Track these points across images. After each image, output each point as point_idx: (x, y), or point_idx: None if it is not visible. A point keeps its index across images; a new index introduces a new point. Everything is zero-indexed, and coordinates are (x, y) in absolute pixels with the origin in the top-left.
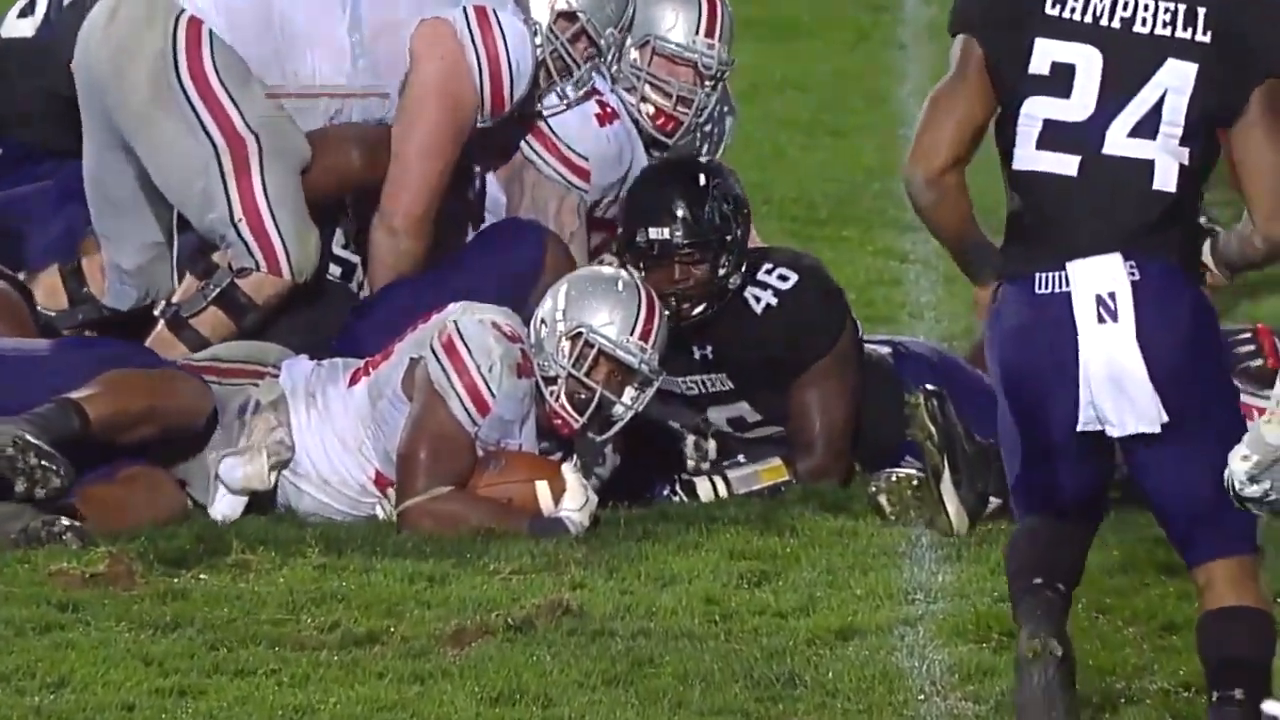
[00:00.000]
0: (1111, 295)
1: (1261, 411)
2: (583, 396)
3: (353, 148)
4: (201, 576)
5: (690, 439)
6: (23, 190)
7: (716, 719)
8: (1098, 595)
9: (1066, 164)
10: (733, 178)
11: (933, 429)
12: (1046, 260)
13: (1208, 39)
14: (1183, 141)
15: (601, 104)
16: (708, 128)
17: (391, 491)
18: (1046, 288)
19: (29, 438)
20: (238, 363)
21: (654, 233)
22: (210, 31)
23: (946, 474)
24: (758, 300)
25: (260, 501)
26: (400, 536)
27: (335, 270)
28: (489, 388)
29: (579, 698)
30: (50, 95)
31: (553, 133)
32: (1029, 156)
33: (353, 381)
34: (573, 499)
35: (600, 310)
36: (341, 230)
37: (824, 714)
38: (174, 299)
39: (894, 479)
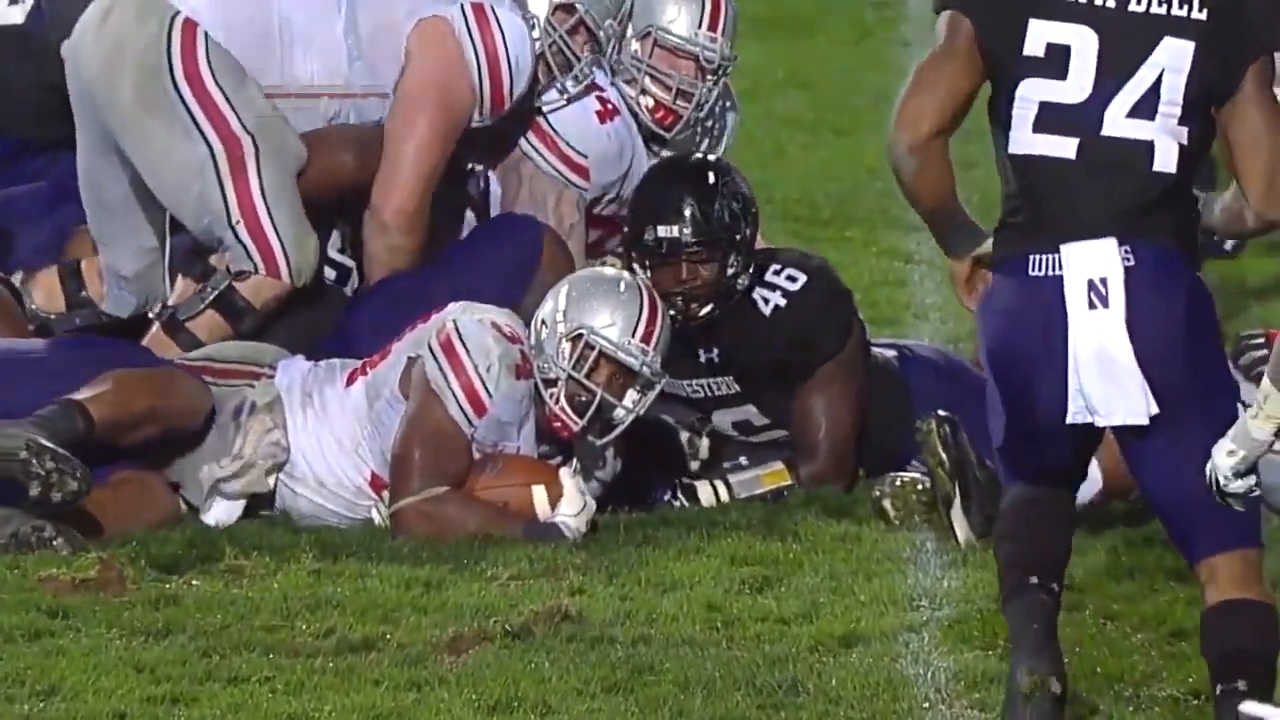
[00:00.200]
0: (1104, 281)
1: None
2: (583, 399)
3: (345, 148)
4: (194, 582)
5: (684, 435)
6: (15, 190)
7: None
8: (1105, 601)
9: (1064, 146)
10: (740, 176)
11: (944, 455)
12: (1041, 243)
13: (1204, 16)
14: (1181, 121)
15: (602, 100)
16: (708, 123)
17: (387, 494)
18: (1040, 270)
19: (42, 440)
20: (233, 363)
21: (662, 230)
22: (205, 33)
23: (957, 500)
24: (766, 301)
25: (256, 504)
26: (396, 542)
27: (330, 274)
28: (486, 388)
29: (578, 705)
30: (41, 84)
31: (552, 129)
32: (1025, 140)
33: (350, 382)
34: (570, 504)
35: (601, 311)
36: (337, 233)
37: None
38: (170, 302)
39: (898, 483)
